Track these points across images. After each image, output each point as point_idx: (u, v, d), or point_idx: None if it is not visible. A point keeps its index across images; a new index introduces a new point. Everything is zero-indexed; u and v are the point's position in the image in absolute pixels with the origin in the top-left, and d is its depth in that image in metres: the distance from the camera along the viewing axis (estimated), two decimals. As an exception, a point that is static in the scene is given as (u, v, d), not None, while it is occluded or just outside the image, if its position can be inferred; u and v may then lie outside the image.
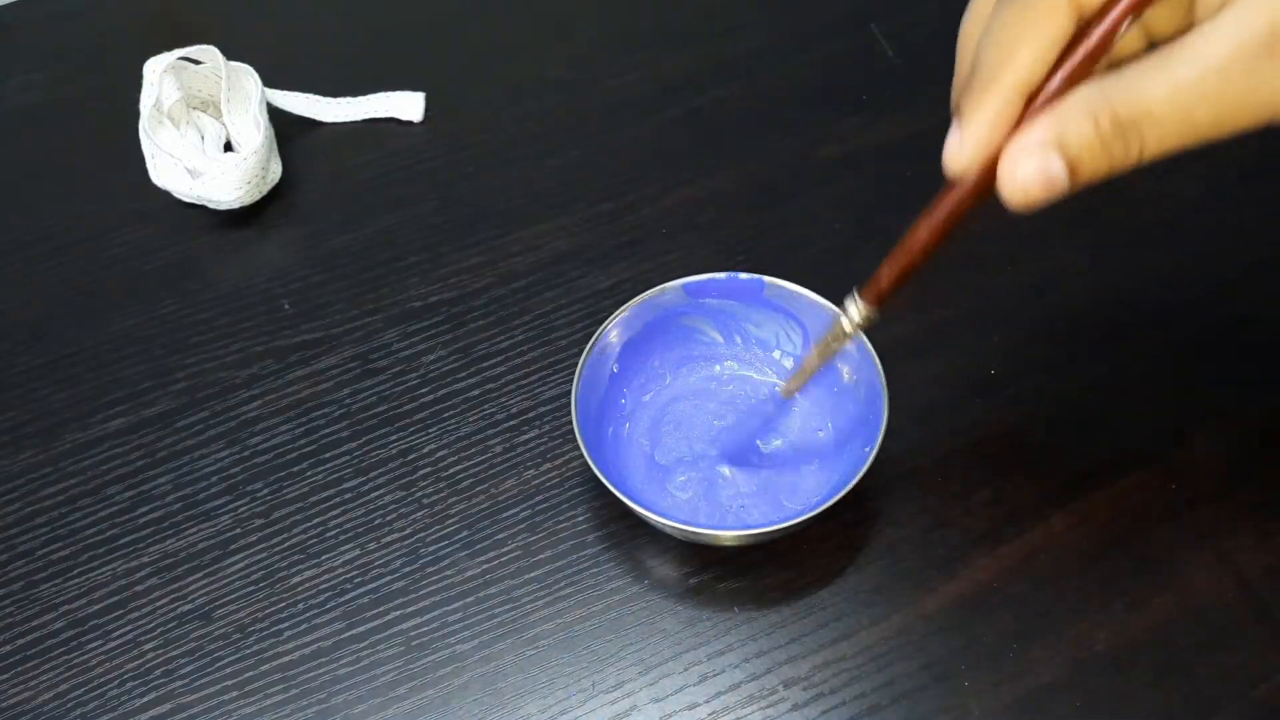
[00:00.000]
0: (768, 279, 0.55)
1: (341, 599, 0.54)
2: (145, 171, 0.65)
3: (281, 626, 0.53)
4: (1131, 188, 0.66)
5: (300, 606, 0.54)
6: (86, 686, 0.52)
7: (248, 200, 0.65)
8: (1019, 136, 0.36)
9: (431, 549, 0.55)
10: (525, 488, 0.57)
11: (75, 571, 0.55)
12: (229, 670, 0.52)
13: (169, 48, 0.66)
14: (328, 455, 0.58)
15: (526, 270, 0.64)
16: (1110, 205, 0.65)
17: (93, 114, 0.72)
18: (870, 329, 0.47)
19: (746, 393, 0.58)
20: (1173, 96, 0.33)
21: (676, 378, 0.58)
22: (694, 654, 0.52)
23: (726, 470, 0.55)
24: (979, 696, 0.50)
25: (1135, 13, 0.34)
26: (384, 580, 0.54)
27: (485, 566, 0.54)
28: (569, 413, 0.53)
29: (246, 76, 0.67)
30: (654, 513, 0.50)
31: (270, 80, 0.68)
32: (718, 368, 0.58)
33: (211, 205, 0.65)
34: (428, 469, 0.57)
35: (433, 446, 0.58)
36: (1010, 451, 0.57)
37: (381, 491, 0.57)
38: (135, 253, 0.66)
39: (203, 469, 0.58)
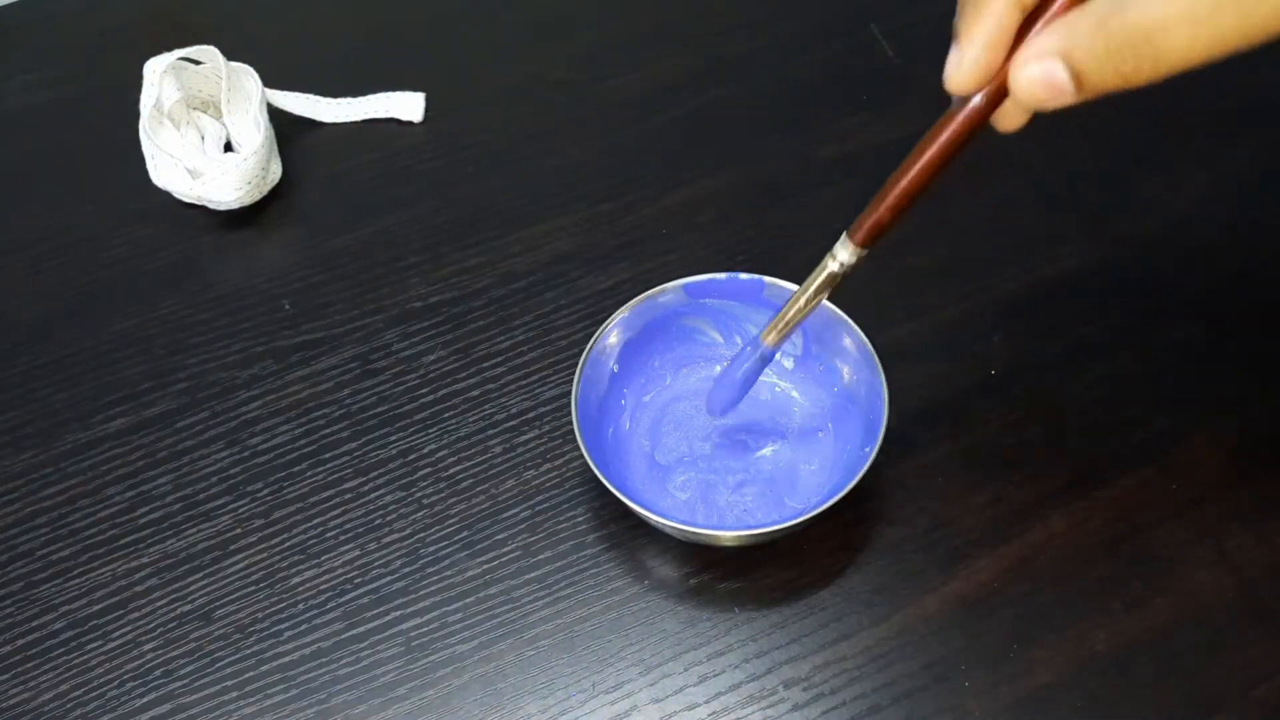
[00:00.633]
0: (768, 279, 0.55)
1: (341, 599, 0.54)
2: (145, 171, 0.65)
3: (281, 627, 0.53)
4: (1133, 190, 0.66)
5: (300, 607, 0.54)
6: (86, 687, 0.52)
7: (248, 200, 0.65)
8: (1026, 45, 0.35)
9: (431, 549, 0.55)
10: (525, 488, 0.57)
11: (75, 572, 0.55)
12: (229, 670, 0.52)
13: (169, 48, 0.66)
14: (328, 455, 0.58)
15: (526, 270, 0.64)
16: (1111, 206, 0.65)
17: (93, 114, 0.72)
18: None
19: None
20: (1183, 5, 0.32)
21: (677, 378, 0.58)
22: (694, 654, 0.52)
23: (712, 448, 0.55)
24: (979, 696, 0.50)
25: None
26: (384, 580, 0.54)
27: (485, 567, 0.54)
28: (569, 413, 0.53)
29: (246, 76, 0.67)
30: (654, 513, 0.50)
31: (270, 80, 0.68)
32: (718, 368, 0.58)
33: (211, 205, 0.65)
34: (428, 469, 0.57)
35: (433, 447, 0.58)
36: (1010, 451, 0.56)
37: (381, 492, 0.57)
38: (135, 253, 0.66)
39: (203, 469, 0.58)
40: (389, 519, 0.56)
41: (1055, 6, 0.35)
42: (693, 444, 0.56)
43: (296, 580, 0.54)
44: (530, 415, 0.59)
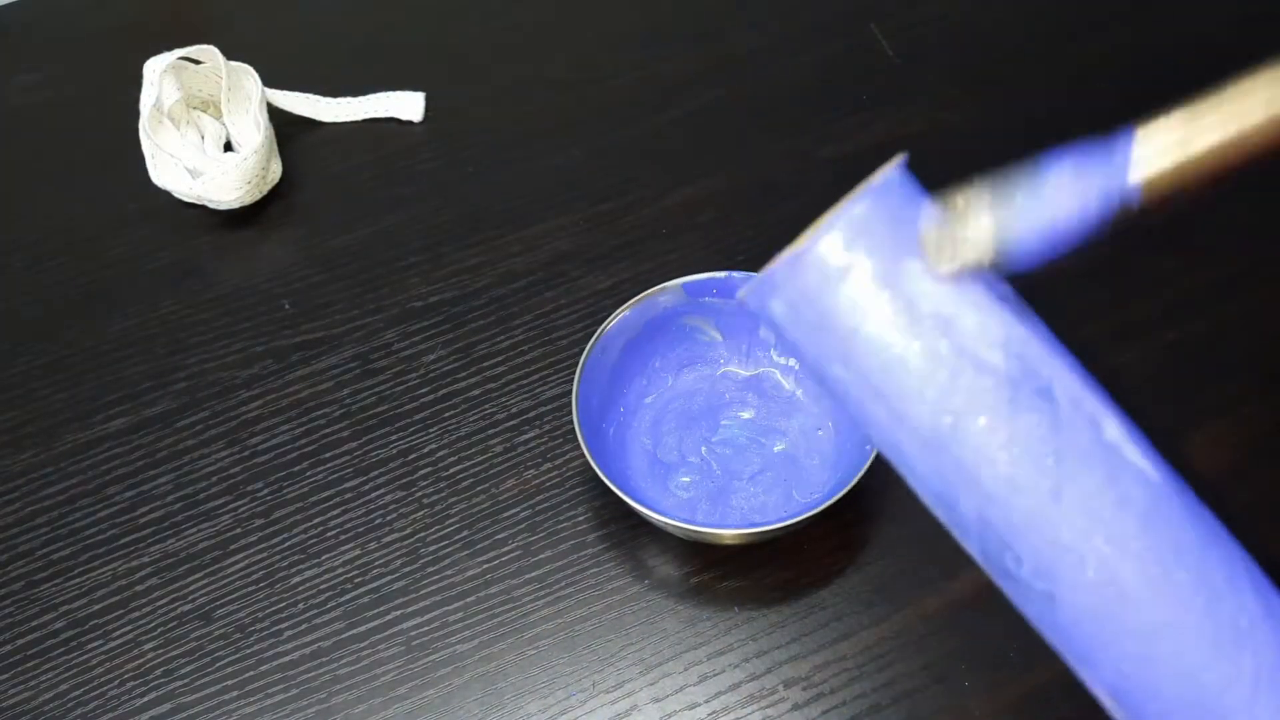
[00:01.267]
0: (768, 279, 0.55)
1: (342, 599, 0.54)
2: (145, 171, 0.65)
3: (281, 626, 0.53)
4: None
5: (300, 606, 0.54)
6: (86, 686, 0.52)
7: (248, 200, 0.65)
8: None
9: (432, 549, 0.55)
10: (525, 488, 0.57)
11: (75, 571, 0.55)
12: (229, 670, 0.52)
13: (169, 48, 0.66)
14: (328, 455, 0.58)
15: (526, 270, 0.64)
16: (1110, 205, 0.65)
17: (93, 114, 0.72)
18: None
19: (747, 392, 0.58)
20: None
21: (677, 377, 0.58)
22: (694, 654, 0.52)
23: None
24: (979, 696, 0.50)
25: None
26: (384, 580, 0.54)
27: (485, 566, 0.54)
28: (569, 412, 0.53)
29: (246, 76, 0.67)
30: (655, 511, 0.50)
31: (270, 80, 0.68)
32: (718, 368, 0.58)
33: (211, 205, 0.65)
34: (428, 469, 0.57)
35: (433, 446, 0.58)
36: (1010, 451, 0.56)
37: (381, 491, 0.57)
38: (135, 253, 0.66)
39: (203, 469, 0.58)
40: (389, 518, 0.56)
41: None
42: (694, 443, 0.56)
43: (297, 580, 0.54)
44: (530, 415, 0.59)
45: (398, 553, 0.55)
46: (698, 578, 0.54)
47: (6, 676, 0.52)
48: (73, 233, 0.66)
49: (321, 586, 0.54)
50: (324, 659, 0.52)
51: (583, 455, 0.53)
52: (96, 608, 0.54)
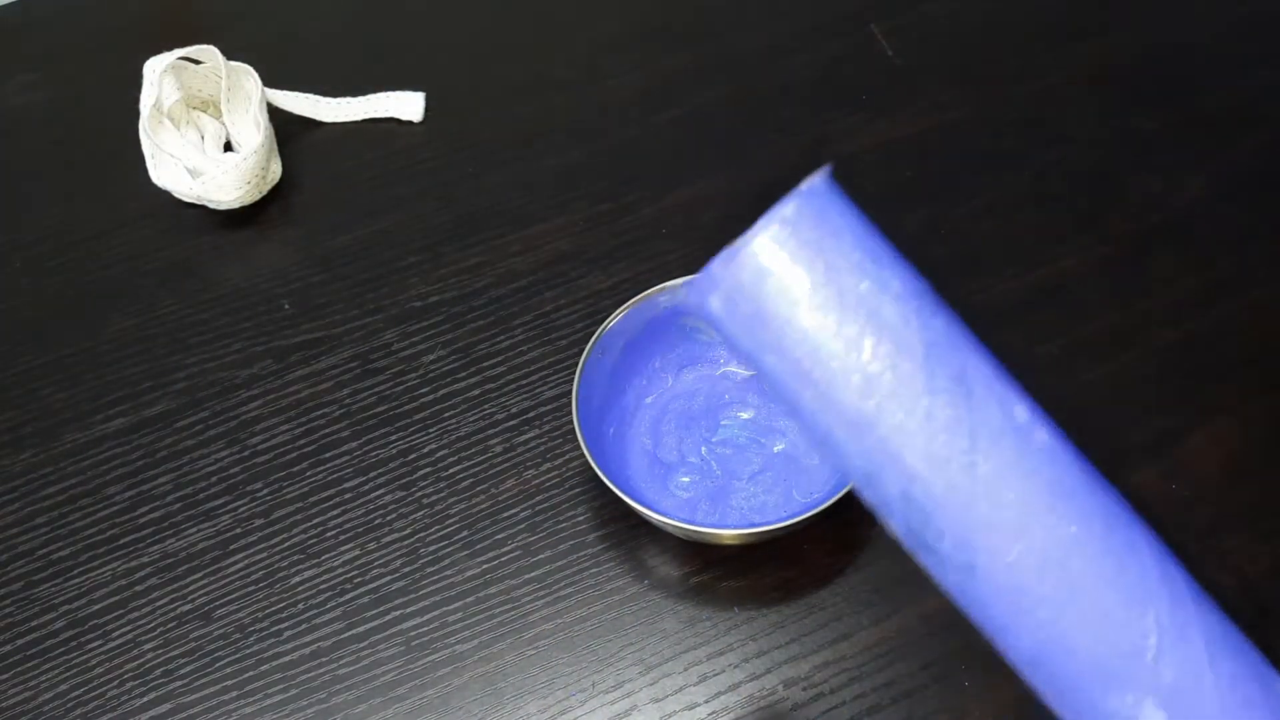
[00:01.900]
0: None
1: (341, 599, 0.54)
2: (145, 171, 0.65)
3: (281, 626, 0.53)
4: (1133, 190, 0.66)
5: (300, 606, 0.54)
6: (86, 686, 0.52)
7: (248, 200, 0.65)
8: None
9: (431, 549, 0.55)
10: (525, 488, 0.57)
11: (75, 571, 0.55)
12: (229, 670, 0.52)
13: (169, 48, 0.66)
14: (328, 455, 0.58)
15: (526, 270, 0.64)
16: (1112, 208, 0.65)
17: (93, 114, 0.72)
18: None
19: (747, 392, 0.58)
20: None
21: (677, 377, 0.58)
22: (694, 654, 0.52)
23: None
24: (979, 696, 0.50)
25: None
26: (384, 580, 0.54)
27: (485, 566, 0.54)
28: (569, 412, 0.53)
29: (246, 76, 0.67)
30: (655, 511, 0.50)
31: (270, 80, 0.68)
32: (718, 368, 0.58)
33: (211, 205, 0.65)
34: (428, 469, 0.57)
35: (433, 446, 0.58)
36: (1010, 451, 0.56)
37: (381, 491, 0.57)
38: (135, 253, 0.66)
39: (203, 469, 0.58)
40: (389, 519, 0.56)
41: None
42: (694, 443, 0.56)
43: (296, 580, 0.54)
44: (530, 415, 0.59)
45: (398, 553, 0.55)
46: (698, 578, 0.54)
47: (6, 676, 0.52)
48: (73, 233, 0.66)
49: (321, 586, 0.54)
50: (324, 659, 0.52)
51: (583, 455, 0.53)
52: (96, 608, 0.54)
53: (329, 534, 0.56)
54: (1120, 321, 0.61)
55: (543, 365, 0.60)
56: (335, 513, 0.56)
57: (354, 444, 0.58)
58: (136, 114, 0.66)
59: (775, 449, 0.56)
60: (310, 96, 0.70)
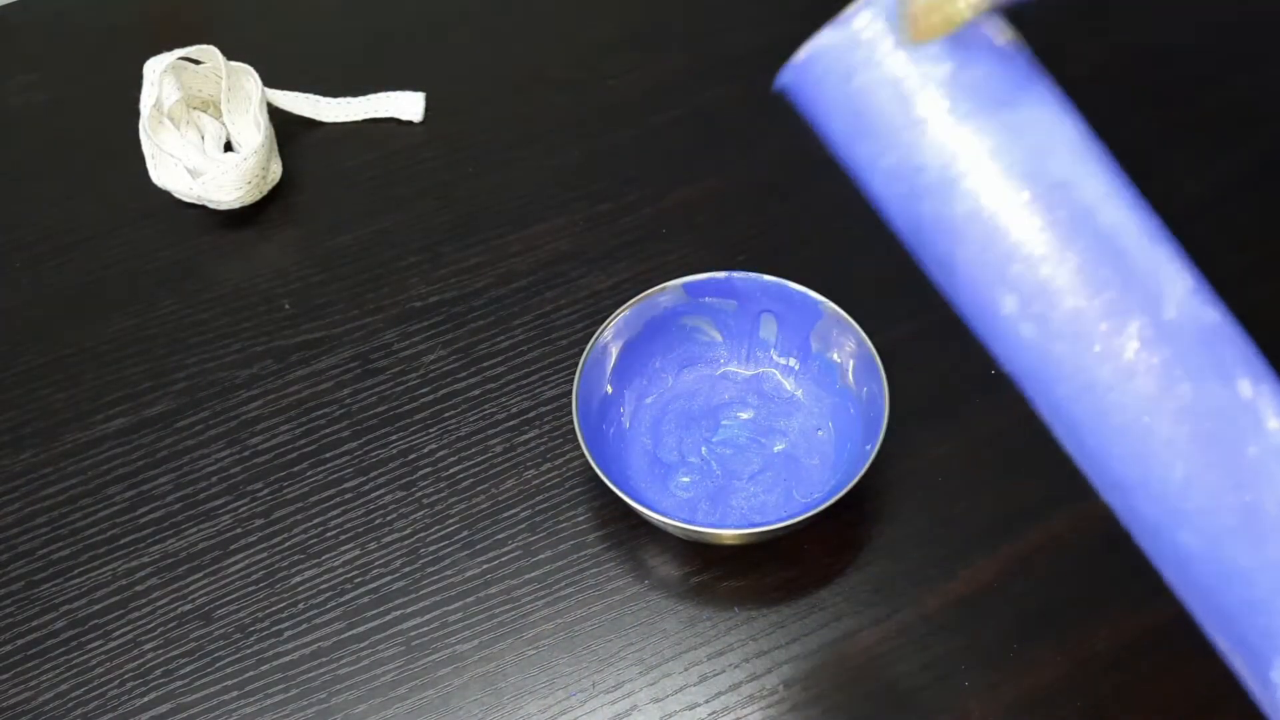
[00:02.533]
0: (767, 278, 0.55)
1: (342, 599, 0.54)
2: (145, 171, 0.65)
3: (281, 626, 0.53)
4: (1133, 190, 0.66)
5: (300, 606, 0.54)
6: (86, 686, 0.52)
7: (248, 200, 0.65)
8: None
9: (431, 549, 0.55)
10: (525, 488, 0.57)
11: (75, 571, 0.55)
12: (229, 670, 0.52)
13: (169, 48, 0.66)
14: (328, 455, 0.58)
15: (526, 270, 0.64)
16: (1110, 205, 0.65)
17: (93, 114, 0.72)
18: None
19: (747, 392, 0.58)
20: None
21: (677, 377, 0.58)
22: (694, 654, 0.52)
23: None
24: (979, 696, 0.50)
25: None
26: (384, 580, 0.54)
27: (485, 566, 0.54)
28: (569, 413, 0.53)
29: (246, 76, 0.67)
30: (655, 511, 0.50)
31: (270, 80, 0.68)
32: (718, 368, 0.58)
33: (211, 205, 0.65)
34: (428, 469, 0.57)
35: (433, 446, 0.58)
36: (1011, 451, 0.56)
37: (381, 491, 0.57)
38: (135, 253, 0.66)
39: (203, 469, 0.58)
40: (389, 519, 0.56)
41: None
42: (694, 443, 0.56)
43: (297, 580, 0.54)
44: (530, 415, 0.59)
45: (398, 553, 0.55)
46: (698, 578, 0.54)
47: (6, 676, 0.52)
48: (73, 233, 0.66)
49: (321, 586, 0.54)
50: (324, 659, 0.52)
51: (583, 455, 0.53)
52: (96, 608, 0.54)
53: (329, 534, 0.56)
54: (1120, 321, 0.61)
55: (543, 365, 0.60)
56: (335, 513, 0.56)
57: (354, 444, 0.58)
58: (136, 114, 0.66)
59: (775, 449, 0.56)
60: (310, 96, 0.70)
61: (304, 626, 0.53)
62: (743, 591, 0.53)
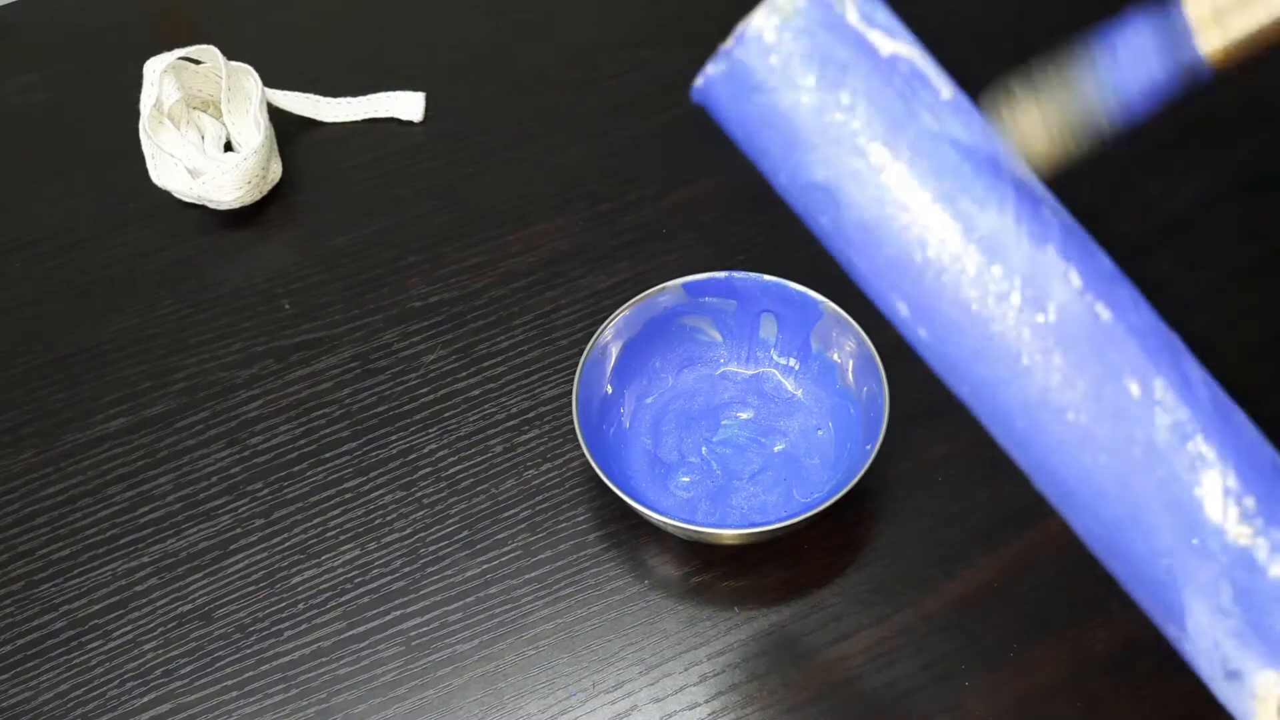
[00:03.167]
0: (766, 278, 0.55)
1: (341, 599, 0.54)
2: (145, 171, 0.65)
3: (281, 626, 0.53)
4: (1133, 190, 0.66)
5: (300, 606, 0.54)
6: (86, 686, 0.52)
7: (248, 200, 0.65)
8: None
9: (432, 549, 0.55)
10: (525, 488, 0.57)
11: (75, 571, 0.55)
12: (229, 670, 0.52)
13: (169, 48, 0.66)
14: (328, 455, 0.58)
15: (526, 270, 0.64)
16: (1112, 207, 0.65)
17: (93, 114, 0.72)
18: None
19: (747, 392, 0.58)
20: None
21: (677, 377, 0.58)
22: (694, 654, 0.52)
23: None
24: (979, 696, 0.50)
25: None
26: (384, 580, 0.54)
27: (485, 566, 0.54)
28: (569, 413, 0.53)
29: (246, 76, 0.67)
30: (655, 511, 0.50)
31: (270, 80, 0.68)
32: (718, 368, 0.58)
33: (211, 205, 0.65)
34: (428, 469, 0.57)
35: (433, 446, 0.58)
36: (1010, 451, 0.56)
37: (381, 491, 0.57)
38: (135, 253, 0.66)
39: (203, 469, 0.58)
40: (389, 519, 0.56)
41: None
42: (694, 443, 0.56)
43: (297, 580, 0.54)
44: (530, 415, 0.59)
45: (398, 553, 0.55)
46: (698, 578, 0.54)
47: (6, 676, 0.52)
48: (73, 233, 0.66)
49: (321, 586, 0.54)
50: (324, 659, 0.52)
51: (583, 455, 0.53)
52: (96, 608, 0.54)
53: (329, 534, 0.56)
54: (1120, 321, 0.61)
55: (543, 365, 0.60)
56: (335, 513, 0.56)
57: (354, 444, 0.58)
58: (136, 114, 0.66)
59: (775, 449, 0.56)
60: (310, 96, 0.70)
61: (304, 626, 0.53)
62: (743, 591, 0.53)
